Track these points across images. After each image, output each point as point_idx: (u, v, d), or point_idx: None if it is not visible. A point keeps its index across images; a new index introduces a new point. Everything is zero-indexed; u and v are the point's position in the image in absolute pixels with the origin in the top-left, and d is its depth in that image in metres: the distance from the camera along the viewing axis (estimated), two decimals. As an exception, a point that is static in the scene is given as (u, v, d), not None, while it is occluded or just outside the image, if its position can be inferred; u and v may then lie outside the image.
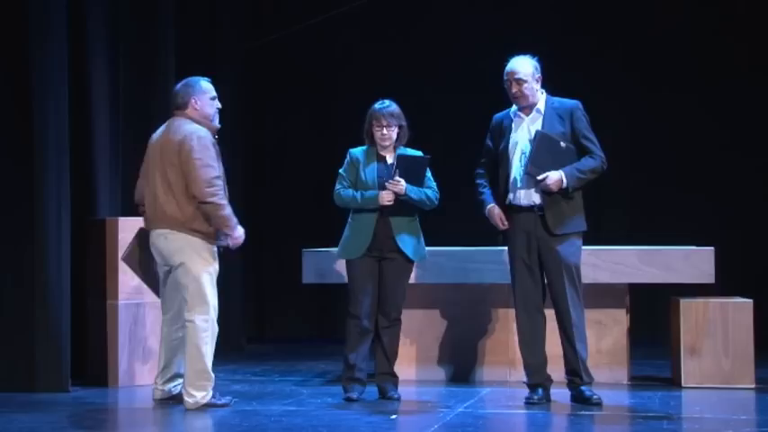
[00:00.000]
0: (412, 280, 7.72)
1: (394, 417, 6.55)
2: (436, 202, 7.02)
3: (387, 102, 6.98)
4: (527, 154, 6.72)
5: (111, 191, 8.08)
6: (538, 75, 6.79)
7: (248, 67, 10.23)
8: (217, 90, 6.79)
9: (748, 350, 7.39)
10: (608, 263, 7.51)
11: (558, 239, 6.70)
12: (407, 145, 7.03)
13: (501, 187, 6.84)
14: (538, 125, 6.78)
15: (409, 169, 6.87)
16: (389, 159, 6.96)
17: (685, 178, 9.80)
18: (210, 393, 6.64)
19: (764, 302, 7.79)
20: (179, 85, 6.83)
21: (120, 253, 7.41)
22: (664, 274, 7.55)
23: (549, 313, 6.83)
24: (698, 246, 7.66)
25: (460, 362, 7.85)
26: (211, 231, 6.63)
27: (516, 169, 6.76)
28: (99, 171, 8.06)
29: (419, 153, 6.98)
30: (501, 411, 6.82)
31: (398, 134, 6.95)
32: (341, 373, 7.07)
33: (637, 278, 7.60)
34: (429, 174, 7.01)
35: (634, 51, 9.90)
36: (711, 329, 7.41)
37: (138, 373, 7.61)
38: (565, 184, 6.65)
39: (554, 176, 6.64)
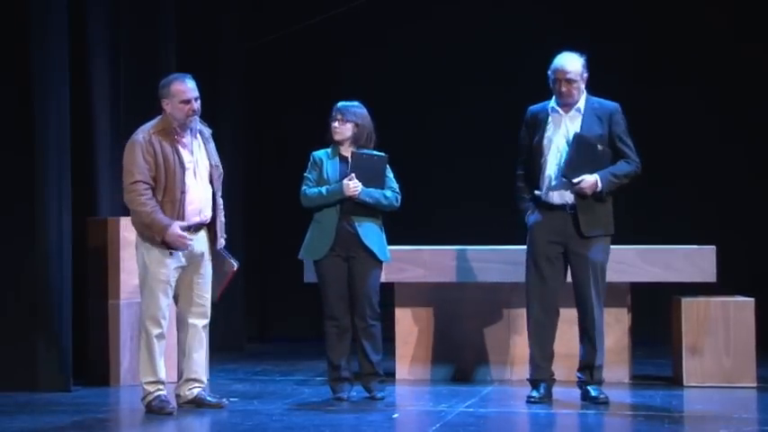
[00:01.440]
0: (414, 279, 7.73)
1: (395, 416, 6.56)
2: (396, 204, 6.96)
3: (354, 102, 6.99)
4: (563, 153, 6.70)
5: (113, 190, 8.06)
6: (586, 74, 6.77)
7: (249, 66, 10.23)
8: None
9: (749, 349, 7.39)
10: (610, 262, 7.47)
11: (587, 240, 6.69)
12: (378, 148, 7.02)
13: (533, 180, 6.78)
14: (576, 124, 6.74)
15: (367, 168, 6.83)
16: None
17: (687, 177, 9.78)
18: (151, 396, 6.58)
19: (766, 301, 7.77)
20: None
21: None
22: (665, 273, 7.55)
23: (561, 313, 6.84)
24: (699, 245, 7.65)
25: (461, 361, 7.84)
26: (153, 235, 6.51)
27: (551, 167, 6.72)
28: (100, 171, 8.07)
29: (381, 153, 6.97)
30: (502, 410, 6.81)
31: (355, 132, 6.92)
32: (327, 374, 7.07)
33: (638, 277, 7.60)
34: (391, 174, 6.98)
35: (634, 50, 9.88)
36: (713, 328, 7.41)
37: (137, 372, 7.59)
38: (599, 188, 6.65)
39: (589, 180, 6.63)
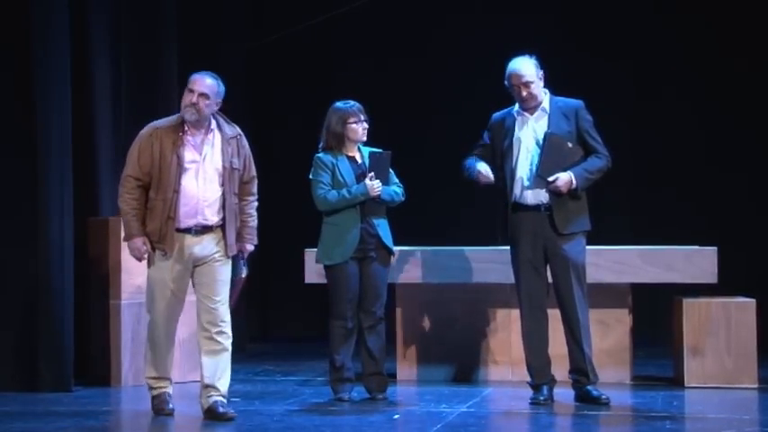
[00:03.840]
0: (415, 279, 7.74)
1: (396, 416, 6.56)
2: (403, 198, 7.01)
3: (349, 101, 6.98)
4: (533, 153, 6.71)
5: (114, 190, 8.02)
6: (541, 73, 6.78)
7: (250, 66, 10.23)
8: None
9: (751, 350, 7.38)
10: (610, 263, 7.50)
11: (564, 239, 6.70)
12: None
13: (504, 185, 6.79)
14: (543, 124, 6.76)
15: (380, 167, 6.86)
16: (358, 158, 6.96)
17: (688, 177, 9.79)
18: (154, 392, 6.50)
19: (767, 302, 7.77)
20: None
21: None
22: (666, 274, 7.55)
23: (552, 313, 6.83)
24: (700, 245, 7.65)
25: (462, 361, 7.84)
26: (151, 231, 6.35)
27: (522, 168, 6.73)
28: (102, 171, 8.07)
29: (379, 150, 6.99)
30: (503, 411, 6.82)
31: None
32: (328, 375, 7.06)
33: (639, 278, 7.60)
34: (391, 170, 6.99)
35: (634, 53, 9.89)
36: (714, 329, 7.41)
37: (141, 374, 7.57)
38: (574, 185, 6.65)
39: (564, 178, 6.63)
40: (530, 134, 6.76)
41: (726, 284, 7.63)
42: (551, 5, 9.88)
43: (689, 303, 7.48)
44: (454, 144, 9.62)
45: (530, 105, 6.76)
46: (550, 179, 6.62)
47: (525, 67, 6.74)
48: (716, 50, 9.76)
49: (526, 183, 6.72)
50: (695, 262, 7.52)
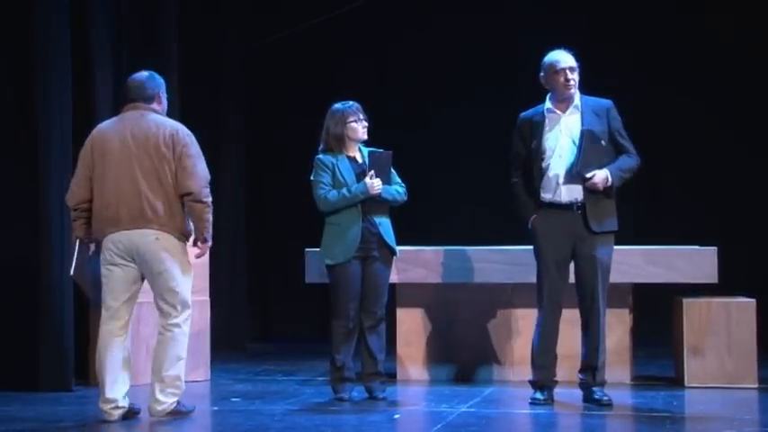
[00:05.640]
0: (416, 279, 7.74)
1: (397, 416, 6.56)
2: (405, 198, 7.01)
3: (348, 101, 6.99)
4: (568, 151, 6.66)
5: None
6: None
7: (251, 66, 10.24)
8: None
9: (751, 350, 7.39)
10: (612, 262, 7.49)
11: (595, 237, 6.67)
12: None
13: (535, 184, 6.73)
14: (576, 121, 6.73)
15: (381, 166, 6.87)
16: (359, 158, 6.97)
17: (689, 178, 9.79)
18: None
19: (767, 302, 7.78)
20: (144, 77, 6.35)
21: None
22: (667, 274, 7.56)
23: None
24: (701, 245, 7.66)
25: (463, 361, 7.84)
26: (189, 231, 6.34)
27: (557, 166, 6.68)
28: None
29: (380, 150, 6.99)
30: (504, 411, 6.81)
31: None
32: (329, 374, 7.07)
33: (640, 278, 7.61)
34: (392, 170, 6.99)
35: (638, 53, 9.89)
36: (714, 329, 7.41)
37: (141, 372, 7.58)
38: (610, 183, 6.65)
39: (601, 175, 6.62)
40: (564, 132, 6.71)
41: (726, 284, 7.64)
42: (551, 5, 9.88)
43: (689, 303, 7.48)
44: (457, 144, 9.69)
45: (570, 93, 6.70)
46: (588, 175, 6.61)
47: (568, 56, 6.74)
48: (718, 50, 9.76)
49: (561, 180, 6.68)
50: (696, 262, 7.53)
